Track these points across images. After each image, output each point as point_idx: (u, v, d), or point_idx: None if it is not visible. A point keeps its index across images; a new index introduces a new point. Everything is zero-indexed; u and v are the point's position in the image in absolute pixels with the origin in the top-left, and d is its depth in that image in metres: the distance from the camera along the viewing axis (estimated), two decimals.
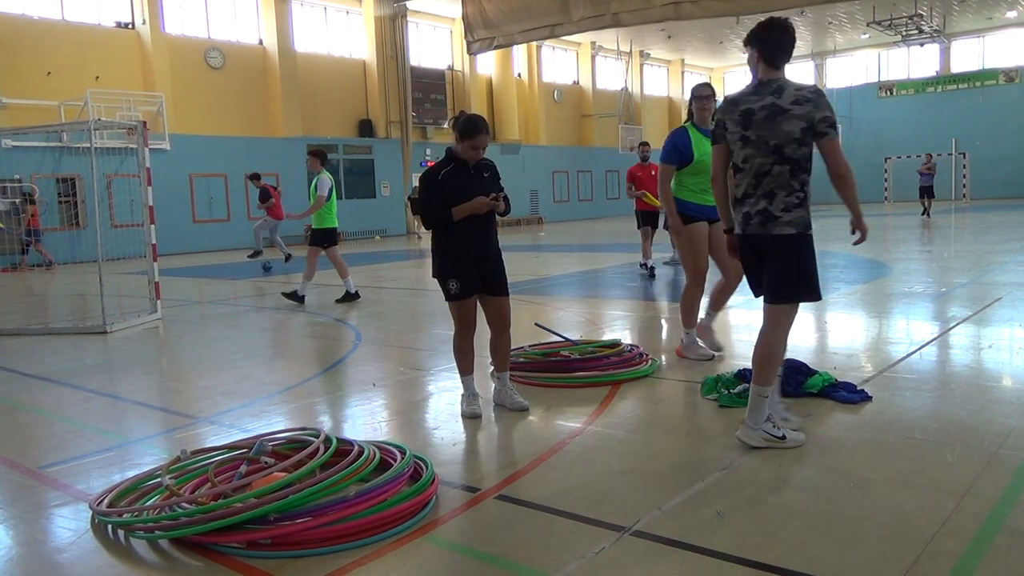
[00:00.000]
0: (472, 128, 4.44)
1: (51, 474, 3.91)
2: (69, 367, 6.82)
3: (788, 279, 3.70)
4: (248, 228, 23.93)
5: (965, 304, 7.94)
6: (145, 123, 9.38)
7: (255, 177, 16.39)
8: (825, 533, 2.87)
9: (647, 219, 11.66)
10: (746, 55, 4.01)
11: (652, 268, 11.33)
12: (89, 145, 9.07)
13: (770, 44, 3.82)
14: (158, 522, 3.05)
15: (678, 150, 5.53)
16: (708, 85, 5.79)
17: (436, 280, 4.61)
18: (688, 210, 5.58)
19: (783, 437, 3.75)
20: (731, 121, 3.78)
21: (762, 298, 3.82)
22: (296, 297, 9.84)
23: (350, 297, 9.89)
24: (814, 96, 3.64)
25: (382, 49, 27.02)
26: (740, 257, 3.91)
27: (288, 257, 15.74)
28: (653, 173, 11.33)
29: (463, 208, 4.40)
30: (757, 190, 3.70)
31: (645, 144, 12.17)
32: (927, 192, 23.50)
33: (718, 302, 5.79)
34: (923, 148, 36.36)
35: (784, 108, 3.64)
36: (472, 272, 4.54)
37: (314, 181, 9.75)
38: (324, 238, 9.90)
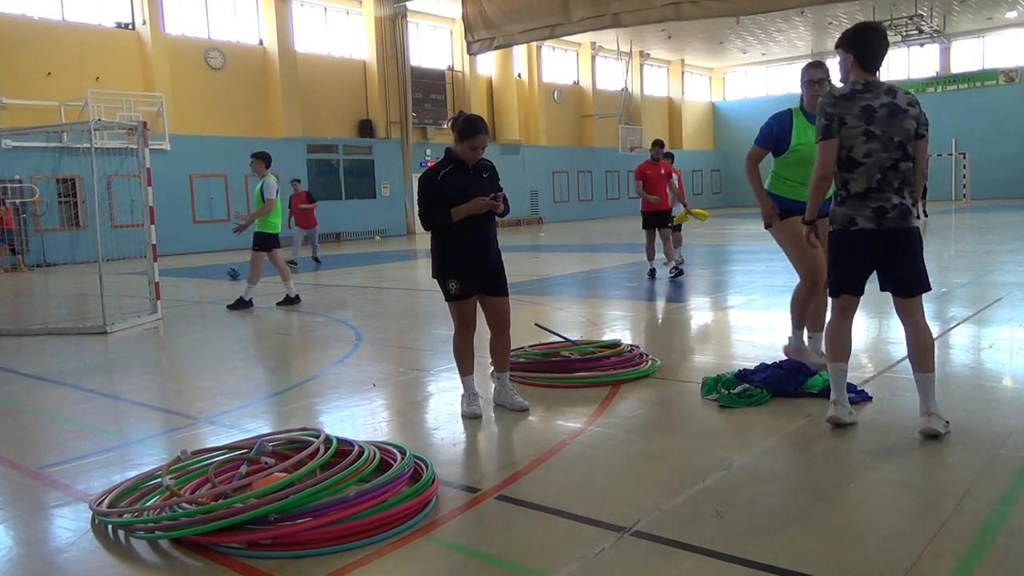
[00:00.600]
0: (471, 128, 4.44)
1: (51, 474, 3.91)
2: (69, 367, 6.82)
3: (923, 269, 3.90)
4: (249, 228, 23.98)
5: (965, 304, 7.93)
6: (146, 123, 9.35)
7: (296, 181, 17.11)
8: (825, 533, 2.87)
9: (652, 220, 11.23)
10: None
11: (653, 271, 11.20)
12: (89, 145, 9.03)
13: (868, 48, 3.87)
14: (158, 522, 3.05)
15: (774, 136, 4.97)
16: (822, 66, 4.93)
17: (436, 280, 4.62)
18: (787, 207, 5.00)
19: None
20: (851, 116, 3.77)
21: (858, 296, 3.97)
22: (243, 304, 9.67)
23: (290, 301, 9.77)
24: (917, 101, 3.92)
25: (382, 49, 27.02)
26: (846, 254, 3.91)
27: (293, 264, 15.89)
28: (663, 172, 11.16)
29: (462, 209, 4.40)
30: (886, 185, 3.78)
31: (659, 143, 11.56)
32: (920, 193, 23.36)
33: (818, 321, 5.10)
34: None
35: (903, 108, 3.80)
36: (471, 272, 4.54)
37: (260, 184, 9.57)
38: (267, 243, 9.76)
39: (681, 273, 10.96)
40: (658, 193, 11.02)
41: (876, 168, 3.76)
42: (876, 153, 3.75)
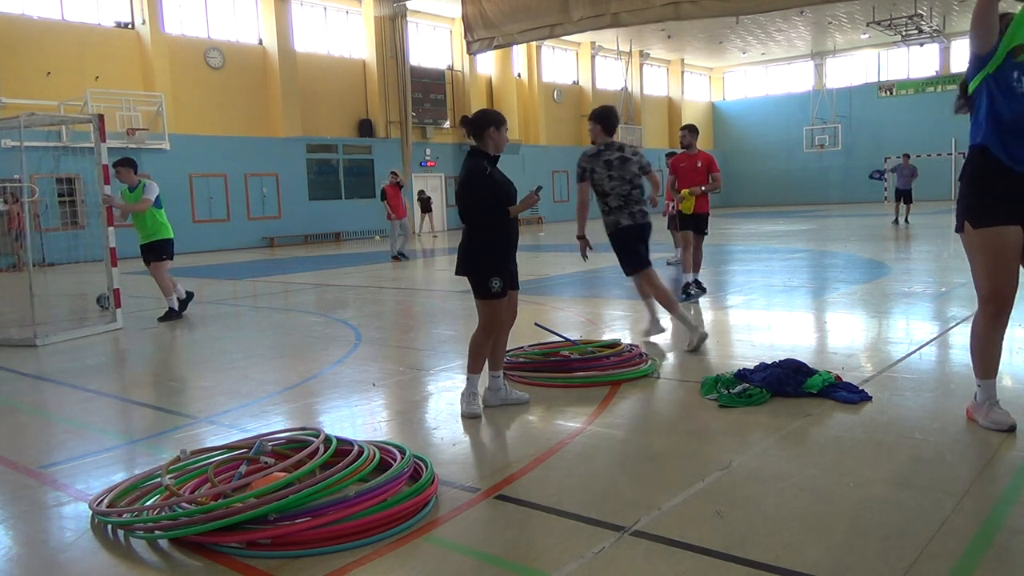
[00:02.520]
0: (501, 115, 4.62)
1: (51, 474, 3.91)
2: (69, 367, 6.82)
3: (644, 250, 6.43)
4: (248, 228, 24.00)
5: (965, 304, 7.93)
6: (102, 116, 8.71)
7: (393, 174, 17.12)
8: (825, 533, 2.86)
9: (689, 223, 8.97)
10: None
11: (699, 283, 8.93)
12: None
13: (608, 122, 6.24)
14: (158, 522, 3.05)
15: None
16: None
17: (472, 279, 4.55)
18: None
19: None
20: (599, 166, 6.26)
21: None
22: (173, 315, 9.15)
23: (173, 315, 9.17)
24: (638, 151, 5.72)
25: (382, 49, 27.02)
26: (631, 243, 5.69)
27: (399, 257, 16.51)
28: (699, 165, 8.89)
29: (520, 205, 4.50)
30: (628, 202, 6.31)
31: (690, 128, 9.15)
32: (905, 196, 20.76)
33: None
34: (923, 148, 36.42)
35: (628, 157, 6.19)
36: (510, 269, 4.64)
37: (139, 187, 8.94)
38: (168, 249, 9.28)
39: (703, 290, 9.04)
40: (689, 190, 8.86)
41: (618, 194, 6.16)
42: (617, 187, 6.15)
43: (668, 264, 12.32)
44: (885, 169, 21.65)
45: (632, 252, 6.31)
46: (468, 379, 4.70)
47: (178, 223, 20.09)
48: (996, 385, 3.89)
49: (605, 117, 6.30)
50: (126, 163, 8.97)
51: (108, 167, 8.54)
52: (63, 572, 2.89)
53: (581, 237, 6.51)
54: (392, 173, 17.53)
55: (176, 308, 9.24)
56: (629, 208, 6.21)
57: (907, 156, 21.66)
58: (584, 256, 6.41)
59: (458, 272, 4.63)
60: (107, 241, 8.54)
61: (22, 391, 5.97)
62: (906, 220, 20.62)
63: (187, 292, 9.56)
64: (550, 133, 34.34)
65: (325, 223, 25.74)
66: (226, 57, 23.86)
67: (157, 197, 9.03)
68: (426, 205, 26.80)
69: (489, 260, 4.52)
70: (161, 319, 9.11)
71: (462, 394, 4.71)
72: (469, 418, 4.54)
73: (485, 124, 4.50)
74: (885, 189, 37.61)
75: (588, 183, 6.32)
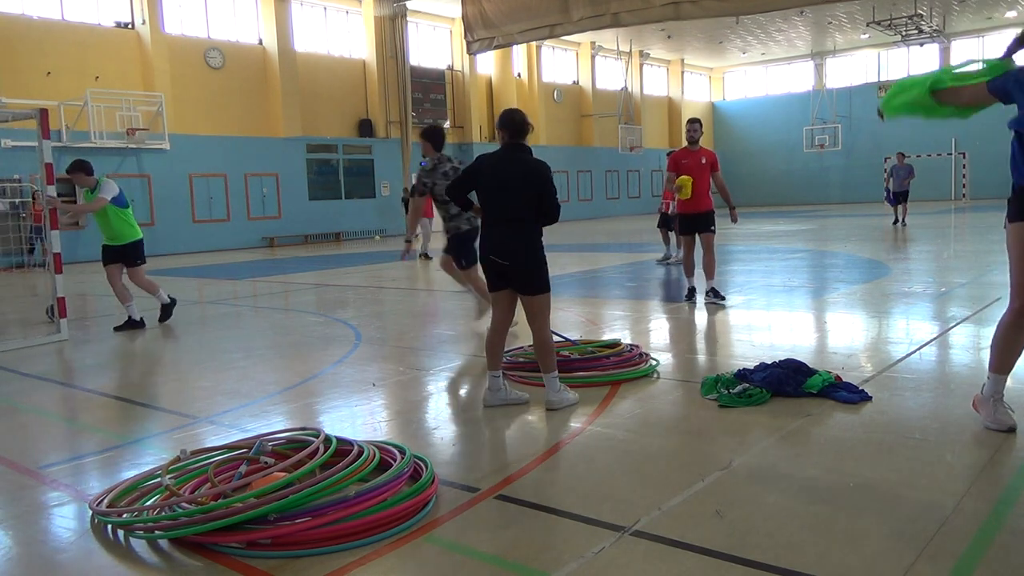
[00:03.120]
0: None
1: (51, 474, 3.91)
2: (69, 367, 6.82)
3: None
4: (248, 228, 23.99)
5: (965, 304, 7.94)
6: (46, 111, 7.92)
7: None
8: (825, 533, 2.86)
9: (690, 225, 8.54)
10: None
11: (716, 292, 8.34)
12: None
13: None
14: (158, 522, 3.05)
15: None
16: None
17: (536, 272, 4.60)
18: None
19: None
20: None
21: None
22: (132, 324, 8.44)
23: (134, 324, 8.46)
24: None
25: (382, 49, 27.02)
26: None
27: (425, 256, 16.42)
28: (704, 161, 8.44)
29: None
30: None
31: (695, 122, 8.67)
32: (902, 198, 19.98)
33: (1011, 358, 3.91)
34: (923, 148, 36.41)
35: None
36: None
37: (96, 190, 8.26)
38: (140, 251, 8.57)
39: (721, 297, 8.33)
40: (698, 189, 8.33)
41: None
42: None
43: (658, 264, 12.25)
44: (909, 167, 20.20)
45: (471, 251, 7.08)
46: (549, 378, 4.66)
47: (178, 223, 20.25)
48: (1006, 383, 3.90)
49: (433, 135, 7.19)
50: (77, 167, 8.29)
51: (52, 166, 7.92)
52: (63, 572, 2.89)
53: (409, 241, 7.65)
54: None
55: (137, 318, 8.48)
56: (466, 215, 6.92)
57: (902, 155, 20.78)
58: (403, 258, 7.76)
59: (513, 264, 4.54)
60: (50, 246, 7.88)
61: (22, 391, 5.97)
62: (903, 222, 19.91)
63: (140, 318, 8.56)
64: (550, 133, 34.33)
65: (325, 223, 25.73)
66: (226, 57, 23.86)
67: (120, 196, 8.33)
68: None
69: (543, 254, 4.67)
70: (118, 328, 8.39)
71: (492, 389, 4.75)
72: (496, 406, 4.71)
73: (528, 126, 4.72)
74: (886, 189, 37.67)
75: (429, 195, 7.21)
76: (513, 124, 4.60)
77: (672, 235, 12.27)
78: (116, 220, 8.36)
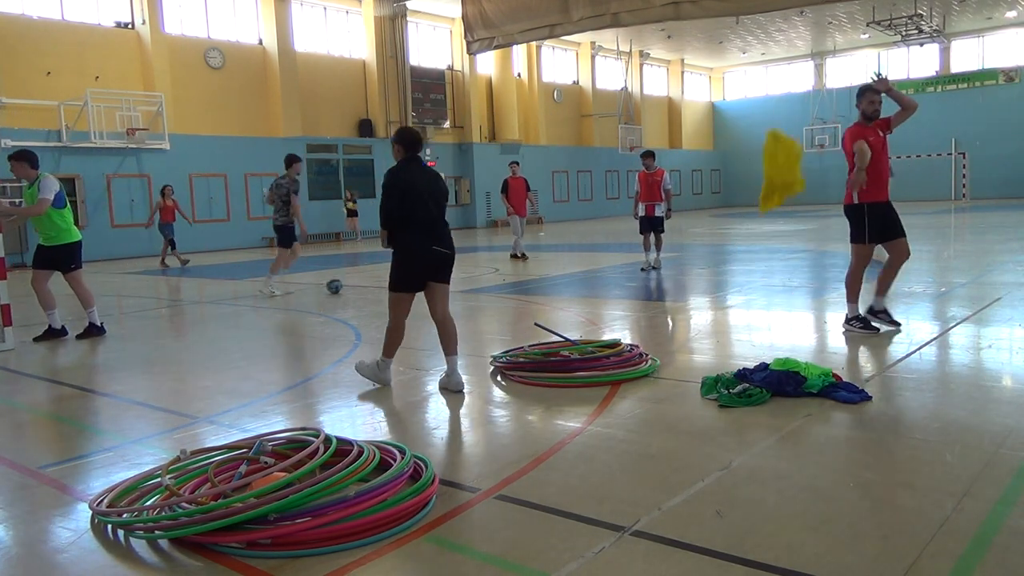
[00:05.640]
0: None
1: (51, 474, 3.91)
2: (69, 367, 6.82)
3: None
4: (248, 228, 23.99)
5: (965, 304, 7.94)
6: None
7: (515, 164, 15.92)
8: (825, 533, 2.86)
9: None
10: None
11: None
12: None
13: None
14: (158, 522, 3.05)
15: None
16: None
17: (451, 262, 5.35)
18: None
19: None
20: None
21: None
22: (53, 333, 8.01)
23: (96, 331, 8.08)
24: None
25: (382, 49, 27.02)
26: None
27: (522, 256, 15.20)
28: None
29: None
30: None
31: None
32: None
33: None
34: (923, 148, 36.44)
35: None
36: None
37: (34, 185, 7.82)
38: (76, 255, 8.07)
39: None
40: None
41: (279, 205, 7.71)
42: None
43: (642, 271, 12.08)
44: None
45: (292, 239, 11.46)
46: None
47: (178, 223, 20.17)
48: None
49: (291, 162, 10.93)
50: (22, 157, 7.87)
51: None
52: (63, 572, 2.89)
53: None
54: (514, 164, 15.97)
55: (99, 323, 8.10)
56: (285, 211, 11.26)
57: None
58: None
59: (452, 252, 5.32)
60: None
61: (21, 391, 5.97)
62: None
63: (61, 326, 8.08)
64: (550, 133, 34.33)
65: (325, 223, 25.72)
66: (226, 57, 23.86)
67: (58, 195, 7.88)
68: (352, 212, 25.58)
69: None
70: (80, 336, 8.01)
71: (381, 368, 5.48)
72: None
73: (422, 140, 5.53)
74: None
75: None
76: (412, 139, 5.30)
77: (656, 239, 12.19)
78: (51, 220, 7.92)
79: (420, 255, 5.19)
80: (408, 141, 5.27)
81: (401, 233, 5.18)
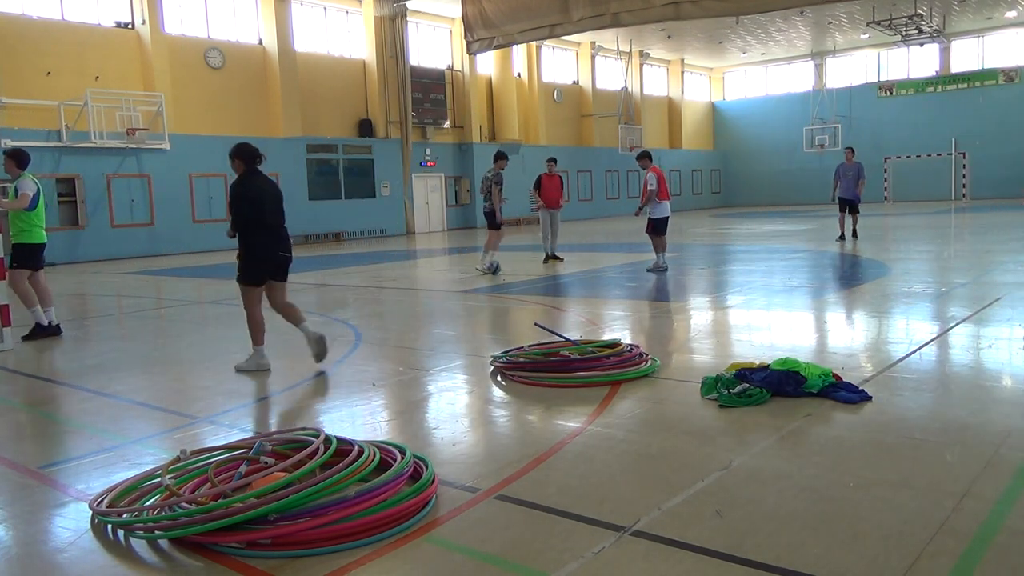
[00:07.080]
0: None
1: (51, 474, 3.91)
2: (69, 367, 6.82)
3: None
4: None
5: (965, 304, 7.94)
6: None
7: (552, 161, 15.56)
8: (825, 533, 2.87)
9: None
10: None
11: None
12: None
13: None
14: (158, 522, 3.05)
15: None
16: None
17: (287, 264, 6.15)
18: None
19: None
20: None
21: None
22: (41, 331, 8.06)
23: (44, 331, 8.07)
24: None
25: (382, 49, 27.01)
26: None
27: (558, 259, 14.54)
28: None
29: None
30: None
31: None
32: (850, 206, 15.95)
33: None
34: (923, 148, 36.48)
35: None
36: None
37: (13, 186, 7.98)
38: (30, 257, 8.07)
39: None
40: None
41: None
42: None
43: (648, 271, 12.06)
44: (858, 165, 16.28)
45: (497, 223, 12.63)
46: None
47: (178, 223, 20.27)
48: None
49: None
50: (11, 155, 8.08)
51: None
52: (63, 572, 2.89)
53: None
54: (551, 161, 15.87)
55: (45, 323, 8.07)
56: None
57: (851, 151, 16.80)
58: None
59: (291, 256, 6.24)
60: None
61: (22, 391, 5.97)
62: (854, 234, 16.08)
63: (48, 322, 8.16)
64: (550, 133, 34.31)
65: (325, 223, 25.72)
66: (226, 57, 23.85)
67: (34, 196, 7.97)
68: None
69: None
70: (26, 337, 7.92)
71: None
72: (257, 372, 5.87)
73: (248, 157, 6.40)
74: (886, 189, 37.65)
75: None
76: (250, 153, 6.17)
77: (657, 241, 12.13)
78: (21, 217, 7.98)
79: (269, 259, 6.09)
80: (247, 155, 6.12)
81: (253, 236, 6.02)
